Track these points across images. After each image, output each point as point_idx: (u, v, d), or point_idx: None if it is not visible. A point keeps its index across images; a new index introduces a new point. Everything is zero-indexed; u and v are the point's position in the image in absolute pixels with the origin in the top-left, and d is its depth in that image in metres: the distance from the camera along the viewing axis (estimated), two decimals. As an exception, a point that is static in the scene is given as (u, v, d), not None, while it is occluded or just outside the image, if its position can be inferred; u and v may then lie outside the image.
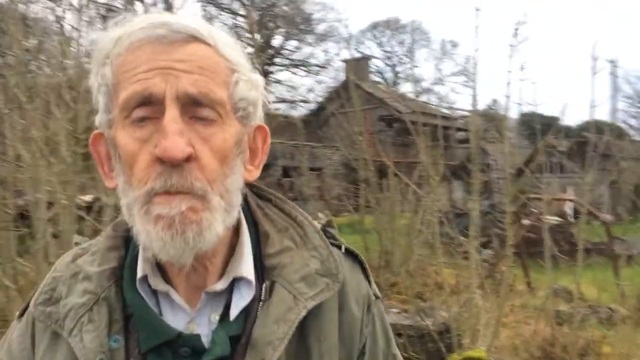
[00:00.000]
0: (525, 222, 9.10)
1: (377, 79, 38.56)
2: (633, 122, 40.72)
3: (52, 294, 0.80)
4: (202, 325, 0.77)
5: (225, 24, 31.98)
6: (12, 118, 3.57)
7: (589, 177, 4.52)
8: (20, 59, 3.66)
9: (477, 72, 3.94)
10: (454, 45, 40.31)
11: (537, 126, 5.21)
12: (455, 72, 38.27)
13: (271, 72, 34.04)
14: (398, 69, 43.17)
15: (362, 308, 0.85)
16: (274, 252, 0.81)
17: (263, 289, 0.79)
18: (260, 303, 0.78)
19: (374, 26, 40.97)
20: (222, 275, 0.80)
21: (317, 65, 34.32)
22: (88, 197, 4.11)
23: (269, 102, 0.84)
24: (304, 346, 0.78)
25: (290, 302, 0.77)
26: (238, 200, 0.77)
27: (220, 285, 0.78)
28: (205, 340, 0.76)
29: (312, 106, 30.97)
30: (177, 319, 0.77)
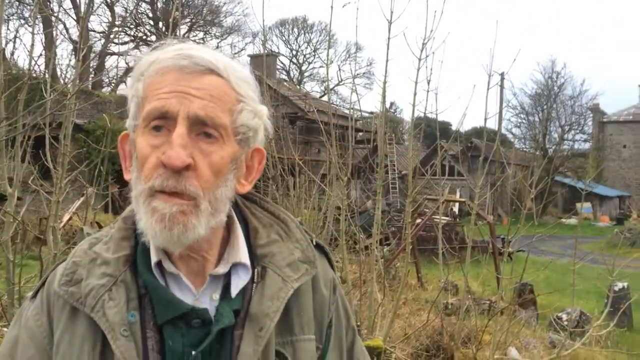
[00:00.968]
0: (417, 221, 9.71)
1: (283, 77, 38.81)
2: (516, 131, 44.06)
3: (73, 276, 0.94)
4: (205, 303, 0.94)
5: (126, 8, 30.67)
6: None
7: (479, 181, 4.96)
8: None
9: (387, 81, 4.21)
10: (359, 48, 41.46)
11: (432, 131, 5.57)
12: (359, 74, 39.39)
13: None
14: (304, 67, 43.68)
15: (329, 290, 1.07)
16: (263, 243, 1.01)
17: (256, 273, 0.98)
18: (254, 284, 0.97)
19: (282, 23, 41.15)
20: (218, 262, 0.98)
21: (223, 60, 33.74)
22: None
23: (270, 129, 1.02)
24: (288, 320, 0.98)
25: (280, 283, 0.97)
26: (225, 207, 0.95)
27: (222, 270, 0.97)
28: (211, 314, 0.93)
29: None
30: (185, 298, 0.93)
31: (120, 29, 31.43)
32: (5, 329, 3.24)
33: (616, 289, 6.99)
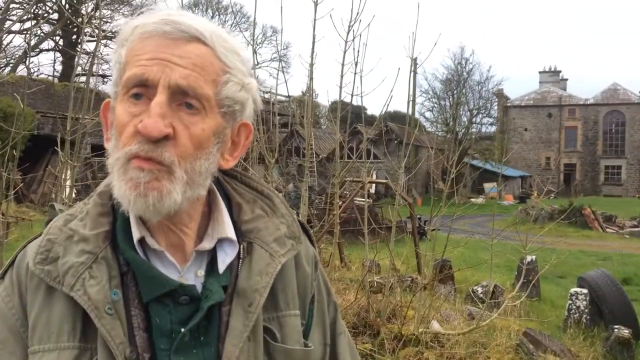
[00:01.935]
0: (339, 203, 9.87)
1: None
2: (429, 114, 45.71)
3: (48, 254, 0.88)
4: (190, 280, 0.91)
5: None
6: None
7: (402, 163, 5.09)
8: None
9: (315, 62, 4.20)
10: (275, 31, 41.16)
11: (346, 115, 5.57)
12: (274, 58, 39.15)
13: (78, 43, 31.29)
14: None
15: (311, 266, 1.06)
16: (248, 218, 0.98)
17: (242, 248, 0.95)
18: (240, 260, 0.94)
19: (195, 4, 40.00)
20: (199, 238, 0.94)
21: (131, 39, 32.42)
22: None
23: (259, 105, 0.99)
24: (273, 295, 0.96)
25: (267, 259, 0.95)
26: (205, 181, 0.91)
27: (208, 245, 0.93)
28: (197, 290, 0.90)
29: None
30: (169, 274, 0.89)
31: (19, 5, 29.24)
32: None
33: (525, 262, 7.46)
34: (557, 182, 48.26)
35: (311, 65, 4.22)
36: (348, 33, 4.22)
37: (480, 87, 46.64)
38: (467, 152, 34.88)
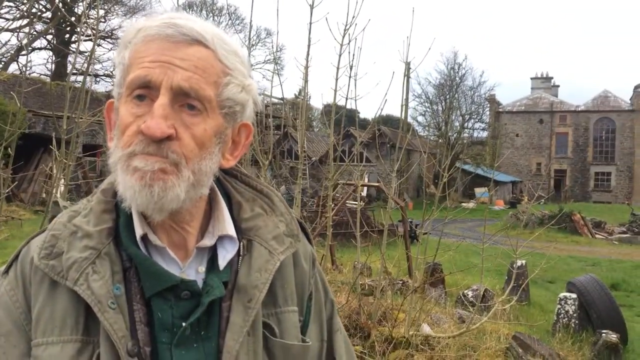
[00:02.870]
0: (331, 205, 9.89)
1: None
2: (421, 119, 45.87)
3: (52, 249, 0.90)
4: (190, 276, 0.93)
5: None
6: None
7: (396, 166, 5.12)
8: None
9: (309, 65, 4.22)
10: (269, 33, 41.19)
11: (339, 118, 5.59)
12: (268, 60, 39.16)
13: (72, 42, 31.16)
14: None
15: (309, 264, 1.09)
16: (247, 217, 1.01)
17: (241, 246, 0.98)
18: (240, 257, 0.97)
19: (189, 5, 39.95)
20: (200, 236, 0.97)
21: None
22: None
23: (259, 105, 1.01)
24: (272, 292, 0.99)
25: (267, 256, 0.97)
26: (208, 181, 0.93)
27: (209, 242, 0.96)
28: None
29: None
30: (170, 271, 0.91)
31: (11, 2, 29.06)
32: None
33: (515, 266, 7.50)
34: (548, 187, 48.59)
35: (306, 68, 4.24)
36: (344, 36, 4.25)
37: (472, 92, 46.87)
38: (459, 157, 35.03)
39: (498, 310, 5.46)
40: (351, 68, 4.36)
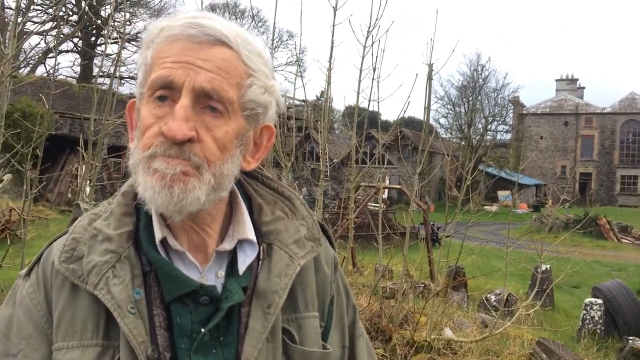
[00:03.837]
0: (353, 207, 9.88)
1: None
2: (443, 121, 45.55)
3: (73, 253, 0.90)
4: (210, 280, 0.92)
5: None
6: None
7: (416, 169, 5.09)
8: None
9: (332, 67, 4.22)
10: (291, 35, 41.34)
11: (361, 120, 5.55)
12: (290, 62, 39.30)
13: (98, 45, 31.64)
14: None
15: (331, 268, 1.07)
16: (268, 220, 0.99)
17: (261, 250, 0.96)
18: (260, 261, 0.95)
19: (212, 8, 40.26)
20: (220, 239, 0.95)
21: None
22: None
23: (282, 107, 0.99)
24: (292, 297, 0.97)
25: (287, 260, 0.95)
26: (229, 184, 0.92)
27: (229, 246, 0.94)
28: (217, 291, 0.91)
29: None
30: (190, 275, 0.90)
31: (40, 7, 29.64)
32: None
33: (540, 271, 7.40)
34: (573, 191, 47.80)
35: (329, 70, 4.24)
36: (367, 38, 4.24)
37: (496, 94, 46.41)
38: (481, 160, 34.70)
39: (522, 315, 5.39)
40: (374, 70, 4.35)
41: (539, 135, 53.37)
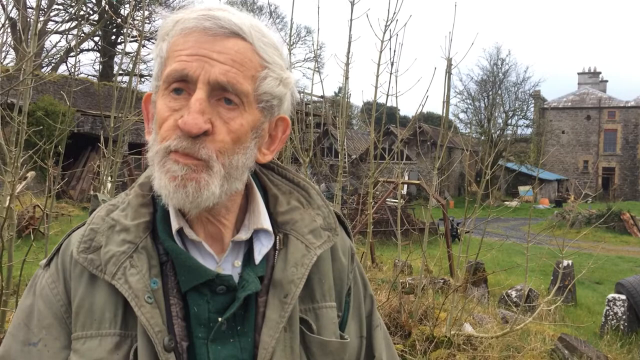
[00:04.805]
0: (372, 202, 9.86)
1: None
2: (463, 116, 45.19)
3: (91, 243, 0.91)
4: (227, 270, 0.93)
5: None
6: None
7: (435, 164, 5.06)
8: None
9: (350, 62, 4.21)
10: (309, 31, 41.33)
11: (379, 116, 5.53)
12: (308, 58, 39.30)
13: (118, 43, 31.96)
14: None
15: (347, 258, 1.06)
16: (284, 210, 0.99)
17: (277, 239, 0.96)
18: (276, 251, 0.95)
19: (230, 4, 40.44)
20: (237, 229, 0.96)
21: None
22: None
23: (297, 98, 1.00)
24: (310, 286, 0.97)
25: (303, 250, 0.96)
26: (243, 175, 0.92)
27: (245, 236, 0.95)
28: (234, 280, 0.92)
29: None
30: (206, 264, 0.91)
31: (61, 6, 30.02)
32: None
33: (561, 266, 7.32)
34: (595, 186, 47.08)
35: (347, 65, 4.23)
36: (384, 33, 4.21)
37: (516, 89, 45.84)
38: (502, 155, 34.34)
39: (543, 310, 5.34)
40: (392, 64, 4.33)
41: (561, 129, 52.60)
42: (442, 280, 6.93)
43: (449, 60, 5.23)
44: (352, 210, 12.01)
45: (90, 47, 34.42)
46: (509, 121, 45.58)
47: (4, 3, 20.34)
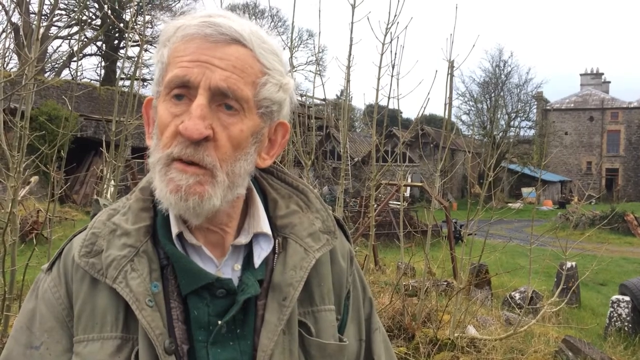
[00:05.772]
0: (374, 205, 9.86)
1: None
2: (465, 118, 45.17)
3: (93, 247, 0.92)
4: (226, 274, 0.94)
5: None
6: None
7: (438, 166, 5.06)
8: None
9: (352, 65, 4.21)
10: (311, 35, 41.40)
11: (380, 118, 5.53)
12: (310, 61, 39.35)
13: (120, 48, 32.06)
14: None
15: (346, 261, 1.07)
16: (283, 214, 1.00)
17: (277, 243, 0.97)
18: (275, 255, 0.96)
19: (232, 8, 40.51)
20: (236, 234, 0.97)
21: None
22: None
23: (296, 103, 1.01)
24: (309, 290, 0.98)
25: (302, 253, 0.96)
26: (244, 182, 0.93)
27: (244, 240, 0.96)
28: (234, 284, 0.93)
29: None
30: (206, 268, 0.92)
31: (64, 11, 30.13)
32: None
33: (565, 268, 7.30)
34: (599, 187, 46.96)
35: (348, 67, 4.23)
36: (385, 35, 4.21)
37: (518, 90, 45.83)
38: (504, 156, 34.30)
39: (547, 312, 5.32)
40: (393, 67, 4.33)
41: (564, 131, 52.52)
42: (445, 283, 6.92)
43: (451, 62, 5.23)
44: (355, 213, 12.02)
45: (92, 52, 34.57)
46: (512, 123, 45.56)
47: (7, 8, 20.40)
